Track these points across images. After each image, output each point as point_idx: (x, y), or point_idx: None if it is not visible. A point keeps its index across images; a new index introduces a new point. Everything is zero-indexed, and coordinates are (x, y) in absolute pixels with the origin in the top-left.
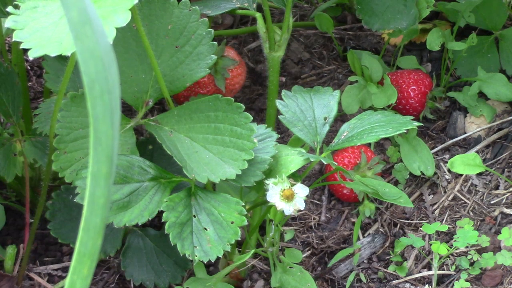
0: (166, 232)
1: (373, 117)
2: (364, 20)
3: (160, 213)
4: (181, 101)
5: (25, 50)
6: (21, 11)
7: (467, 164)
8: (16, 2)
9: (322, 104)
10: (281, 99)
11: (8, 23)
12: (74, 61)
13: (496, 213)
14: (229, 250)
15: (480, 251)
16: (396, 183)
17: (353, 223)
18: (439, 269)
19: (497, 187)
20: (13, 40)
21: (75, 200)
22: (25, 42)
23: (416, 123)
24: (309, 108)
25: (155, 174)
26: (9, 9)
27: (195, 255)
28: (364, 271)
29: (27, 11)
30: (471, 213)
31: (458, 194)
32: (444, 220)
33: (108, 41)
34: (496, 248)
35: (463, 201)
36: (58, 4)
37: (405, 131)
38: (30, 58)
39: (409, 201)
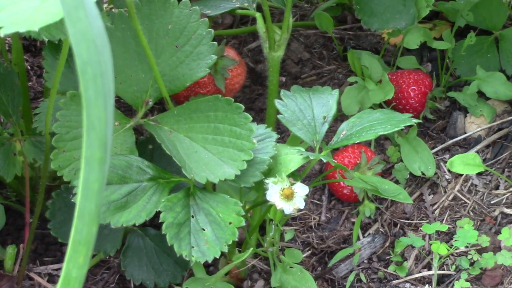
0: (163, 232)
1: (372, 115)
2: (363, 20)
3: (161, 212)
4: (181, 101)
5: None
6: None
7: (466, 164)
8: None
9: (321, 103)
10: (281, 98)
11: None
12: (66, 55)
13: (496, 213)
14: (227, 251)
15: (480, 251)
16: (396, 183)
17: (353, 223)
18: (439, 269)
19: (497, 187)
20: None
21: (72, 200)
22: None
23: (415, 120)
24: (308, 107)
25: (153, 174)
26: None
27: (192, 255)
28: (364, 271)
29: None
30: (471, 213)
31: (458, 194)
32: (444, 220)
33: (102, 24)
34: (496, 248)
35: (463, 201)
36: None
37: (405, 131)
38: (1, 35)
39: (409, 197)
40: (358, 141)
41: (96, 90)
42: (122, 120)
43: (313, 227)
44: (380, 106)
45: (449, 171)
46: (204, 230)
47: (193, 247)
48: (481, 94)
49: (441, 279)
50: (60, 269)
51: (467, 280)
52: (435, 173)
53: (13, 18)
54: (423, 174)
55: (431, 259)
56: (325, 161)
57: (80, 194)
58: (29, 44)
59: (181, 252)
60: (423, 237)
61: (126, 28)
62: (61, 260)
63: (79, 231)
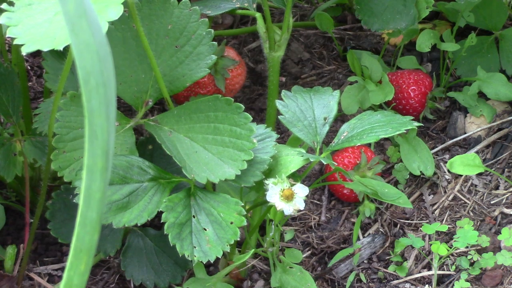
0: (165, 232)
1: (373, 117)
2: (363, 20)
3: (161, 212)
4: (181, 101)
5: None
6: (15, 8)
7: (466, 164)
8: None
9: (322, 104)
10: (281, 99)
11: (2, 19)
12: (71, 60)
13: (496, 213)
14: (228, 251)
15: (480, 251)
16: (396, 183)
17: (353, 223)
18: (439, 269)
19: (497, 187)
20: (7, 36)
21: (74, 200)
22: (18, 38)
23: (416, 123)
24: (309, 108)
25: (154, 174)
26: (4, 5)
27: (194, 255)
28: (364, 271)
29: (21, 8)
30: (471, 213)
31: (458, 194)
32: (444, 220)
33: (104, 34)
34: (496, 248)
35: (463, 201)
36: (53, 1)
37: (405, 131)
38: (23, 53)
39: (408, 201)
40: (359, 144)
41: (99, 100)
42: (122, 120)
43: (313, 227)
44: (380, 106)
45: (449, 171)
46: (205, 230)
47: (195, 247)
48: (481, 94)
49: (441, 279)
50: (60, 269)
51: (467, 280)
52: (435, 173)
53: (31, 33)
54: (422, 173)
55: (431, 259)
56: (325, 163)
57: (82, 202)
58: None
59: (183, 252)
60: (423, 237)
61: (126, 28)
62: (61, 260)
63: (81, 239)
